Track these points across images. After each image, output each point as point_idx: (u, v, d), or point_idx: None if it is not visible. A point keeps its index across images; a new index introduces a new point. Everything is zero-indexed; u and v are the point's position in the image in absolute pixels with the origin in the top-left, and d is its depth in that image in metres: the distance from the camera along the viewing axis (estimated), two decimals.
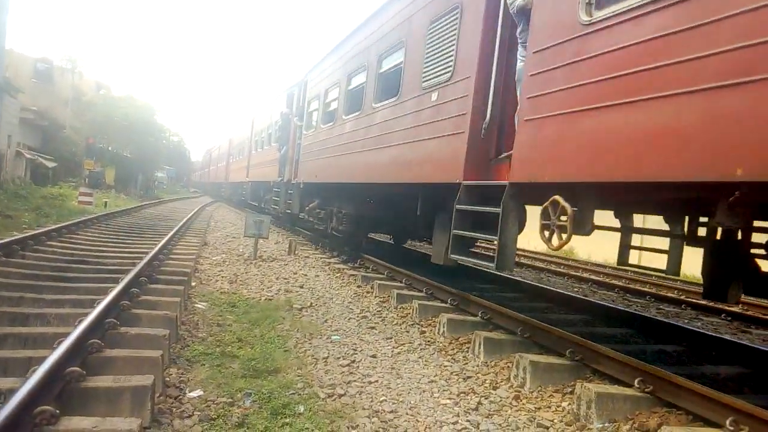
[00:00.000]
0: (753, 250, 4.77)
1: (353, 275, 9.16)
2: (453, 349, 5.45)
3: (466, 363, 5.04)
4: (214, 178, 44.11)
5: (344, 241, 11.24)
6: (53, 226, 10.17)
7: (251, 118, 24.90)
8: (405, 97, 7.37)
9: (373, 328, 6.13)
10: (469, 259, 5.69)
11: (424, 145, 6.68)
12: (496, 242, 4.87)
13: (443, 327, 5.88)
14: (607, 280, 12.46)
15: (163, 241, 9.67)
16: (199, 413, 3.50)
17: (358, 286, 8.44)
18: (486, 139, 5.65)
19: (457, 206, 5.59)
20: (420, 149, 6.81)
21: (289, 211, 15.01)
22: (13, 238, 7.70)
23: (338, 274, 9.48)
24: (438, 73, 6.47)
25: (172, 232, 11.66)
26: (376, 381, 4.41)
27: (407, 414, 3.82)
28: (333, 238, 11.89)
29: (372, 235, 13.60)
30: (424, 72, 6.81)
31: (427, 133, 6.63)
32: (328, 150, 11.09)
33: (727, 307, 9.76)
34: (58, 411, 2.73)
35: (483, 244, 12.27)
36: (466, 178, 5.67)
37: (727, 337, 6.58)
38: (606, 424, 3.74)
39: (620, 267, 10.71)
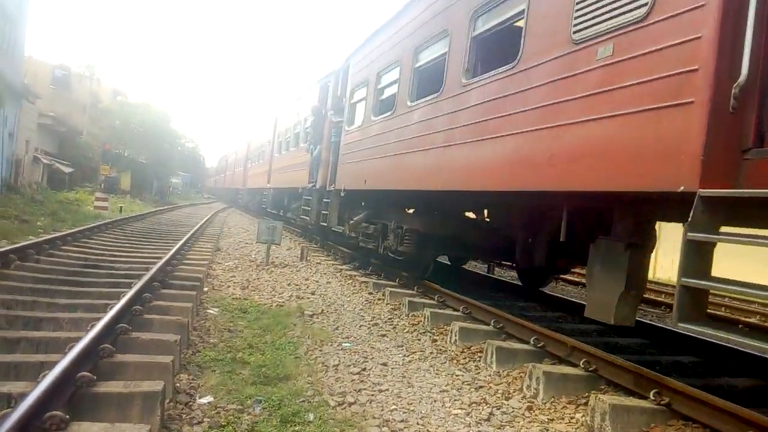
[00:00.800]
0: None
1: (365, 282, 9.13)
2: (465, 358, 5.40)
3: (478, 372, 4.98)
4: (230, 184, 42.99)
5: (403, 264, 9.09)
6: (68, 231, 10.28)
7: (274, 117, 22.78)
8: (531, 62, 5.12)
9: (384, 335, 6.10)
10: (729, 336, 3.20)
11: (582, 130, 4.38)
12: None
13: (455, 335, 5.83)
14: None
15: (177, 247, 9.72)
16: (208, 420, 3.48)
17: (370, 293, 8.41)
18: (738, 115, 3.39)
19: (691, 235, 3.22)
20: (569, 137, 4.52)
21: (324, 224, 12.24)
22: (28, 242, 7.79)
23: (350, 281, 9.46)
24: (613, 12, 4.17)
25: (185, 238, 11.73)
26: (387, 389, 4.37)
27: (418, 424, 3.78)
28: (386, 260, 9.74)
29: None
30: (579, 14, 4.50)
31: (586, 110, 4.34)
32: (383, 148, 8.75)
33: (743, 318, 9.60)
34: (68, 416, 2.72)
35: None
36: (706, 183, 3.34)
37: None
38: None
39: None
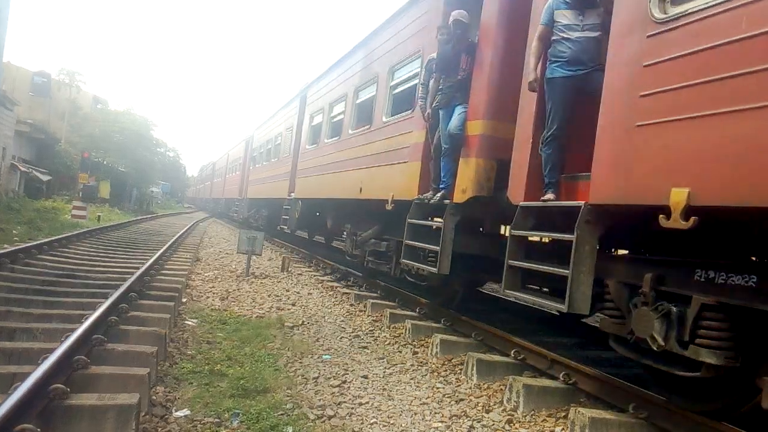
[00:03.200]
0: None
1: (346, 293, 9.08)
2: (446, 370, 5.38)
3: (459, 385, 4.97)
4: (220, 194, 35.30)
5: None
6: (44, 240, 10.07)
7: (299, 95, 15.06)
8: None
9: (365, 347, 6.06)
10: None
11: None
12: None
13: (436, 348, 5.82)
14: None
15: (155, 257, 9.59)
16: None
17: (351, 305, 8.36)
18: None
19: None
20: None
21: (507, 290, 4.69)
22: (2, 251, 7.62)
23: (331, 292, 9.40)
24: None
25: (164, 248, 11.58)
26: (367, 402, 4.34)
27: None
28: None
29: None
30: None
31: None
32: None
33: None
34: (39, 429, 2.66)
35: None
36: None
37: None
38: None
39: None
